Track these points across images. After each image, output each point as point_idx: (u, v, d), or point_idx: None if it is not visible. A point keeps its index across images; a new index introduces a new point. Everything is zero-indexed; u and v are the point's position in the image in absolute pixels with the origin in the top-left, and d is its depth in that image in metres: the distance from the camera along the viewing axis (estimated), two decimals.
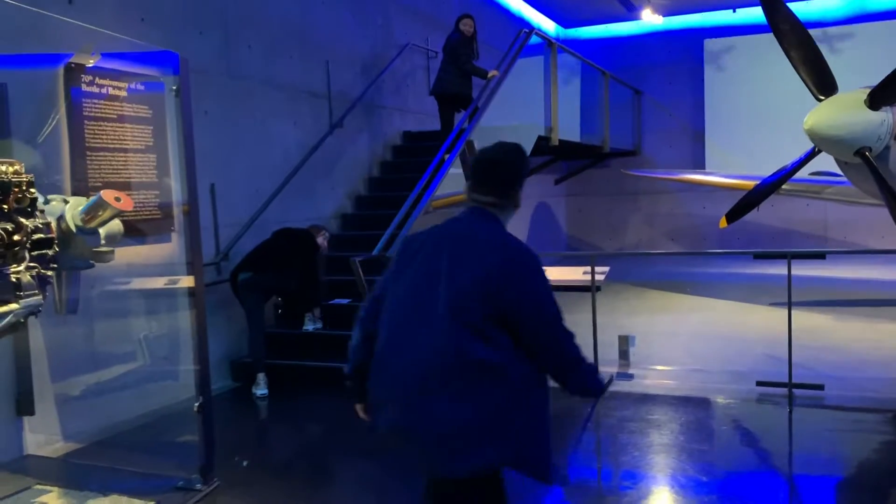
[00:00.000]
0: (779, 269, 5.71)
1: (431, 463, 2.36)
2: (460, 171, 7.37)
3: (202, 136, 4.83)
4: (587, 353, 5.53)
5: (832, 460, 4.59)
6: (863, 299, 9.52)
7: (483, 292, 2.25)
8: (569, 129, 10.80)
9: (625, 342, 6.73)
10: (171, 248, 5.73)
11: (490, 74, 8.28)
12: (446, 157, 7.06)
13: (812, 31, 7.50)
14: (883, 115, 6.81)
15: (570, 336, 2.38)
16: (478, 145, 7.56)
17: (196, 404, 4.09)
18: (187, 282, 4.37)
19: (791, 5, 7.65)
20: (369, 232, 6.90)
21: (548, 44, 9.71)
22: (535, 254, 2.37)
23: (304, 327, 6.71)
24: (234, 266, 6.35)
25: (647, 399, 5.76)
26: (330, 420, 5.66)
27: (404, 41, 9.63)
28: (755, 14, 8.11)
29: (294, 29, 7.66)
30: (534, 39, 9.41)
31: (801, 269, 5.86)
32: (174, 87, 4.06)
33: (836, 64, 7.38)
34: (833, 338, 7.45)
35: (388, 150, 9.36)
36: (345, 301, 6.92)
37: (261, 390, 6.13)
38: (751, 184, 9.58)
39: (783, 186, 8.09)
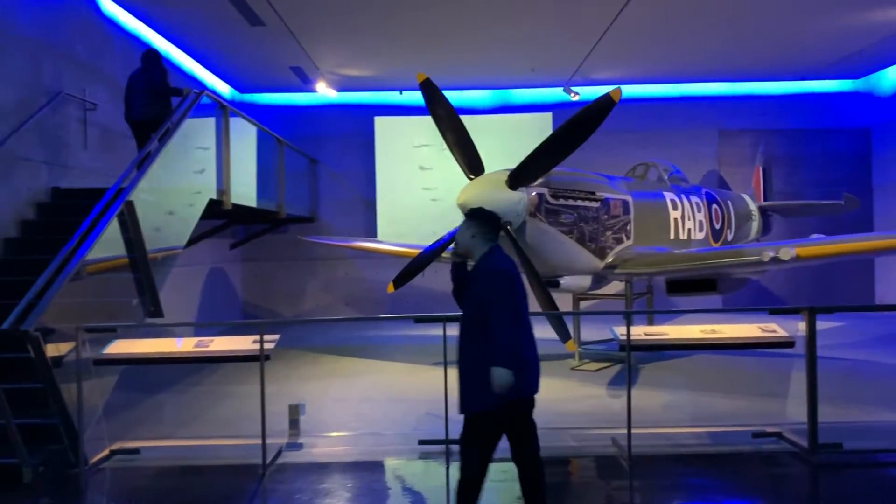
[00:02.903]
0: (438, 330, 6.07)
1: None
2: (119, 235, 6.79)
3: None
4: (253, 425, 5.26)
5: None
6: None
7: None
8: (244, 193, 10.63)
9: (295, 411, 6.64)
10: None
11: (186, 91, 8.59)
12: (101, 217, 6.44)
13: (464, 118, 8.43)
14: (520, 195, 7.84)
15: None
16: (143, 207, 7.02)
17: None
18: None
19: (447, 93, 8.52)
20: (2, 301, 5.96)
21: (220, 106, 9.52)
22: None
23: None
24: None
25: (317, 468, 5.70)
26: None
27: (57, 89, 8.71)
28: (419, 98, 8.90)
29: None
30: (206, 100, 9.17)
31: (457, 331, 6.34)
32: None
33: (483, 147, 8.34)
34: None
35: (31, 208, 8.25)
36: None
37: None
38: (415, 252, 10.30)
39: (444, 254, 8.82)
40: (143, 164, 7.45)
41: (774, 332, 5.89)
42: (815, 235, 10.01)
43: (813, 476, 5.46)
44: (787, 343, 5.84)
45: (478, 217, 4.23)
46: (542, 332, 9.51)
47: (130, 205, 6.75)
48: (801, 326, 5.85)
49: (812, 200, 14.81)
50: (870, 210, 15.45)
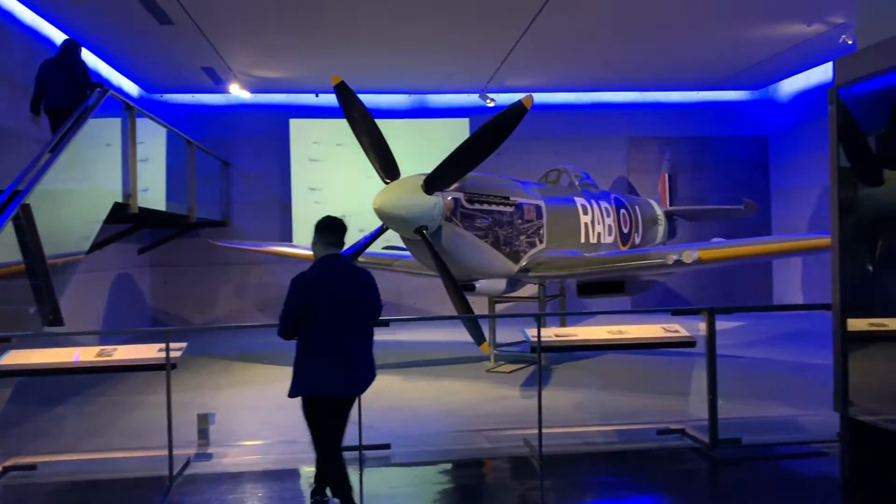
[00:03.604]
0: None
1: None
2: (15, 240, 6.44)
3: None
4: (161, 436, 5.17)
5: None
6: (426, 360, 10.68)
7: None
8: (153, 196, 10.28)
9: (204, 420, 6.45)
10: None
11: (100, 87, 8.63)
12: None
13: (380, 122, 8.42)
14: (436, 199, 7.90)
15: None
16: (41, 211, 6.68)
17: None
18: None
19: (363, 96, 8.50)
20: None
21: (126, 106, 9.18)
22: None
23: None
24: None
25: (228, 478, 5.56)
26: None
27: None
28: (335, 100, 8.85)
29: None
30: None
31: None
32: None
33: (399, 151, 8.36)
34: (400, 397, 8.17)
35: None
36: None
37: None
38: None
39: (359, 259, 8.78)
40: (44, 163, 7.09)
41: (677, 332, 6.13)
42: (716, 239, 10.48)
43: (713, 470, 5.71)
44: (689, 343, 6.08)
45: (318, 225, 4.63)
46: (459, 335, 9.69)
47: (27, 208, 6.42)
48: (702, 327, 6.11)
49: (714, 205, 15.52)
50: (768, 214, 16.29)
